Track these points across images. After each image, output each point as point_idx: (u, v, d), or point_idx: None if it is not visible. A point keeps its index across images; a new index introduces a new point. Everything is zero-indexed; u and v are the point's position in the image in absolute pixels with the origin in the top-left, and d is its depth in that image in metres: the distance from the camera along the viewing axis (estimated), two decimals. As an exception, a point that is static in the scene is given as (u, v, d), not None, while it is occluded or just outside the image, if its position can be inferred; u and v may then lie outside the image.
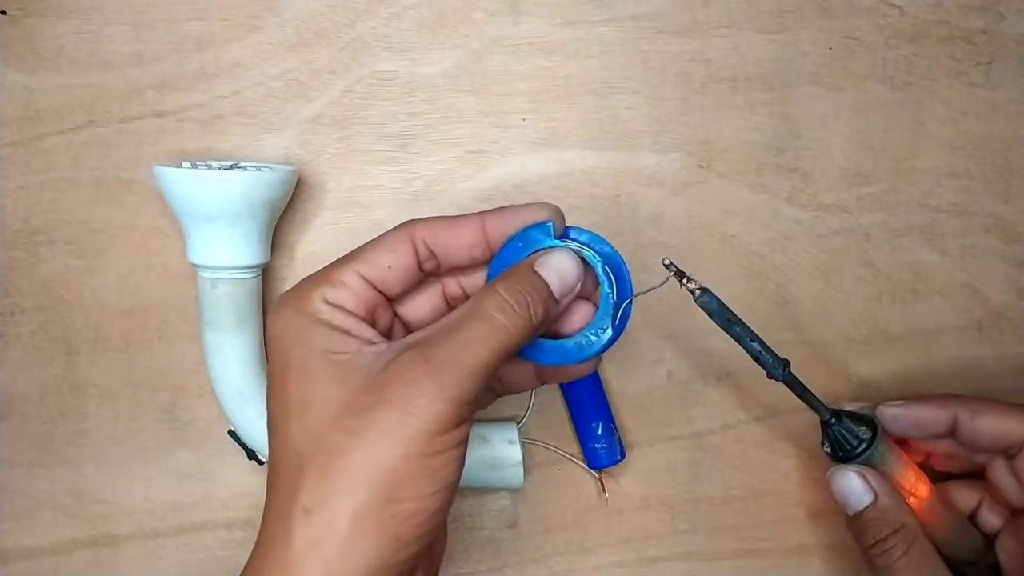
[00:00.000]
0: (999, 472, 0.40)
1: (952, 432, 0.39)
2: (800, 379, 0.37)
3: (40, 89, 0.42)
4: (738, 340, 0.36)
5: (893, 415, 0.40)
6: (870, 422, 0.39)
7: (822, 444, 0.40)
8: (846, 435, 0.38)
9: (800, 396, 0.38)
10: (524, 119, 0.44)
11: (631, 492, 0.46)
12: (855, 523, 0.39)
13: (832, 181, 0.46)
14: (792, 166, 0.45)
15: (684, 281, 0.35)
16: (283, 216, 0.42)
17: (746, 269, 0.46)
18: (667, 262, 0.35)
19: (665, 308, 0.45)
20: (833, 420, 0.38)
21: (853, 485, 0.38)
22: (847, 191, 0.46)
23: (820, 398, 0.38)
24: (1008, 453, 0.39)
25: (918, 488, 0.40)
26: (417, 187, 0.44)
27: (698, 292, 0.35)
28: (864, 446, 0.38)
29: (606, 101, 0.44)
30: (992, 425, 0.39)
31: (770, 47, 0.45)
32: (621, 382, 0.46)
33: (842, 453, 0.39)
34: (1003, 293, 0.47)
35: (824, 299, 0.46)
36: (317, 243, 0.44)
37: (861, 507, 0.38)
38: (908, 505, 0.39)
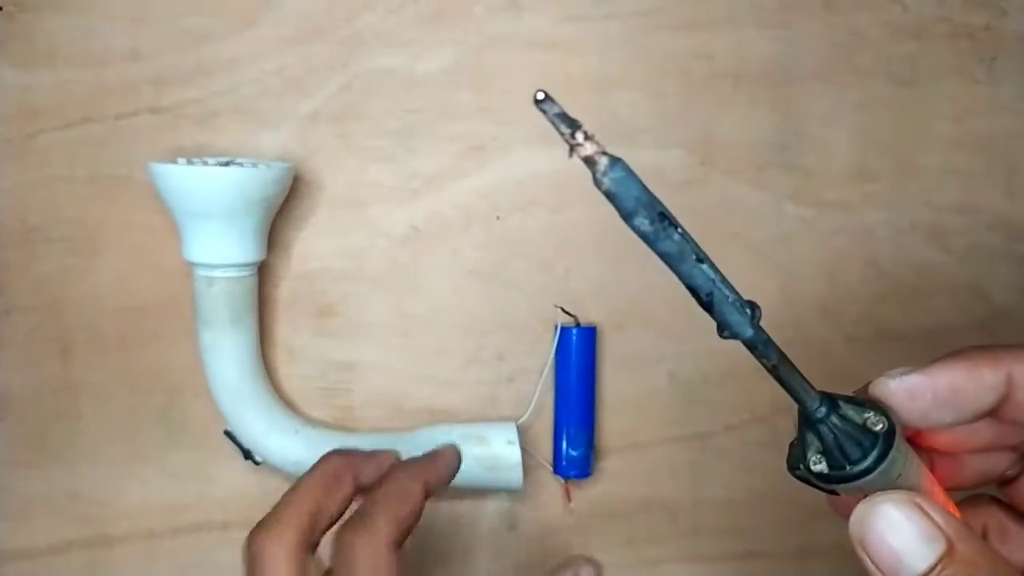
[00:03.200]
0: None
1: (995, 408, 0.24)
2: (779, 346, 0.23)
3: (36, 86, 0.42)
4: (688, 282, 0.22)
5: (910, 389, 0.24)
6: (878, 408, 0.24)
7: (796, 460, 0.24)
8: (847, 436, 0.23)
9: (773, 370, 0.23)
10: (524, 115, 0.44)
11: (633, 493, 0.46)
12: None
13: (835, 179, 0.45)
14: (795, 164, 0.45)
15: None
16: (279, 213, 0.42)
17: (748, 268, 0.45)
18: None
19: (667, 308, 0.45)
20: (823, 411, 0.23)
21: (910, 530, 0.22)
22: (850, 189, 0.45)
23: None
24: None
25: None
26: (416, 184, 0.43)
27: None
28: (877, 453, 0.23)
29: (607, 97, 0.44)
30: None
31: (773, 43, 0.45)
32: (622, 382, 0.45)
33: (841, 469, 0.23)
34: (1007, 292, 0.47)
35: (827, 298, 0.46)
36: (314, 241, 0.43)
37: (925, 567, 0.22)
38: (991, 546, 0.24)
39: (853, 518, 0.23)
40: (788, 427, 0.46)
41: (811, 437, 0.24)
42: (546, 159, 0.44)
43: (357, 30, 0.43)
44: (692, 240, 0.22)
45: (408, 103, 0.43)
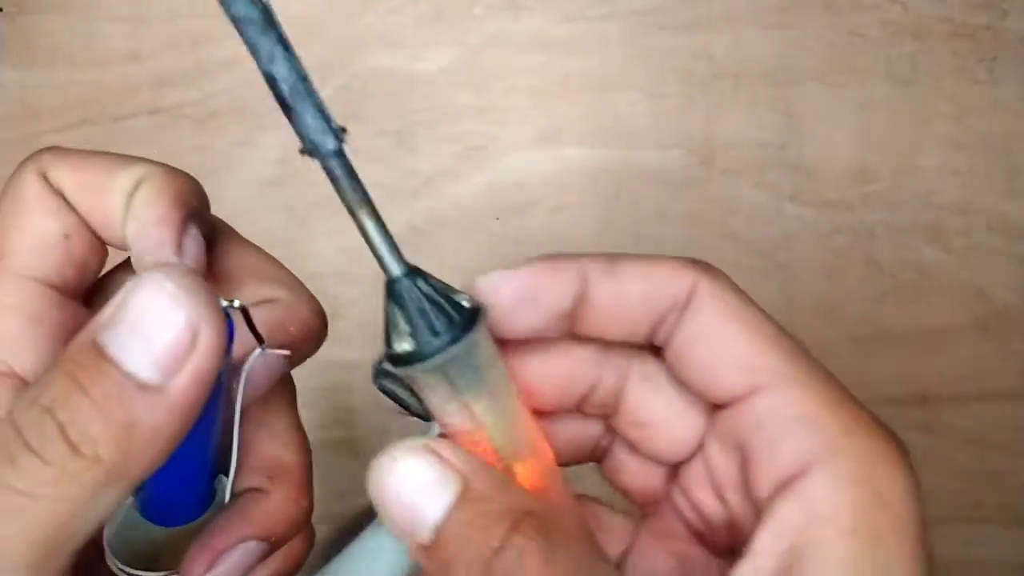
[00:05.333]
0: (644, 384, 0.24)
1: (574, 313, 0.23)
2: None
3: (36, 87, 0.42)
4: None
5: (494, 284, 0.22)
6: (466, 297, 0.21)
7: (380, 359, 0.21)
8: (434, 305, 0.20)
9: (355, 213, 0.19)
10: (524, 115, 0.44)
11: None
12: (436, 551, 0.19)
13: (835, 178, 0.45)
14: (795, 163, 0.45)
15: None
16: (276, 214, 0.42)
17: (748, 268, 0.45)
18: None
19: (667, 307, 0.45)
20: (412, 279, 0.20)
21: (424, 477, 0.19)
22: (851, 188, 0.45)
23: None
24: (657, 334, 0.23)
25: (538, 448, 0.23)
26: (415, 184, 0.43)
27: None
28: (465, 321, 0.20)
29: (607, 97, 0.44)
30: (641, 274, 0.23)
31: (773, 43, 0.44)
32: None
33: (417, 352, 0.20)
34: (1007, 291, 0.47)
35: (827, 298, 0.46)
36: (314, 241, 0.43)
37: (440, 514, 0.19)
38: (520, 482, 0.22)
39: (368, 479, 0.20)
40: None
41: (396, 313, 0.20)
42: (546, 159, 0.44)
43: (357, 30, 0.43)
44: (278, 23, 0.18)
45: (408, 103, 0.43)
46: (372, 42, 0.43)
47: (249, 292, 0.23)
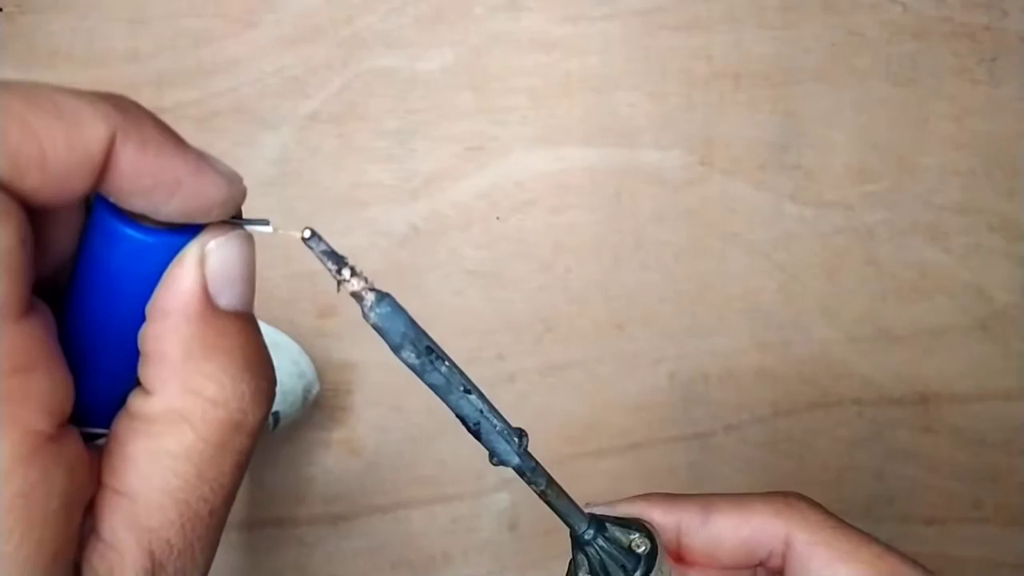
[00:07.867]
0: None
1: (678, 548, 0.27)
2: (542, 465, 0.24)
3: (35, 86, 0.42)
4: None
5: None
6: (643, 530, 0.26)
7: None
8: (611, 558, 0.25)
9: (542, 495, 0.24)
10: (524, 115, 0.44)
11: (633, 493, 0.45)
12: None
13: (836, 178, 0.45)
14: (795, 163, 0.45)
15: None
16: (275, 214, 0.42)
17: (748, 267, 0.45)
18: None
19: (668, 307, 0.45)
20: (591, 533, 0.25)
21: None
22: (851, 188, 0.45)
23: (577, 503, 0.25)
24: (768, 564, 0.26)
25: None
26: (416, 184, 0.43)
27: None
28: (643, 570, 0.24)
29: (607, 97, 0.44)
30: (733, 528, 0.25)
31: (773, 43, 0.45)
32: (622, 382, 0.45)
33: None
34: (1008, 292, 0.47)
35: (827, 298, 0.46)
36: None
37: None
38: None
39: None
40: (788, 428, 0.46)
41: (581, 558, 0.25)
42: (546, 159, 0.44)
43: (357, 30, 0.43)
44: (459, 371, 0.22)
45: (408, 103, 0.43)
46: (372, 42, 0.43)
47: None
